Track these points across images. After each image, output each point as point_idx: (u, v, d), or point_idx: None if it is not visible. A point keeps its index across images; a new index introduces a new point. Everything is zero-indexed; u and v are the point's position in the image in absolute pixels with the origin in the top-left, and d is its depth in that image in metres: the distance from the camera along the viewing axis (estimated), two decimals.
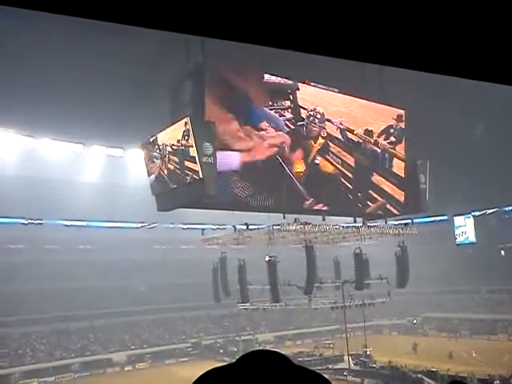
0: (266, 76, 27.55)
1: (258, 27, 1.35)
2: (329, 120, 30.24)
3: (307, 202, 29.70)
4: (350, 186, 31.68)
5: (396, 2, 1.41)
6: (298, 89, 28.85)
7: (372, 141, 32.35)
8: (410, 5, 1.43)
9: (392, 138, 33.26)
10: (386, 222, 36.61)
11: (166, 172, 26.25)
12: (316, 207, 30.34)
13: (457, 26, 1.54)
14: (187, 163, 24.71)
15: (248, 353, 1.11)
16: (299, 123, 29.01)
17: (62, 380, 43.40)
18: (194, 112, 24.78)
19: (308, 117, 29.30)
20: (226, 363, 1.19)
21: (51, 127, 43.40)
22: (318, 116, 29.67)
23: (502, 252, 59.89)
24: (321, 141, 30.10)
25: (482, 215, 58.81)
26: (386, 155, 33.21)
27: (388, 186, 33.28)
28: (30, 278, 47.48)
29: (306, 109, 29.21)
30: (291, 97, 28.65)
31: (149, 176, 27.80)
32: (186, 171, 24.86)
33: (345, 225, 35.86)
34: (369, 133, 32.19)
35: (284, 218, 30.74)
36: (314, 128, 29.68)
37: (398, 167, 33.69)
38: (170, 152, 25.72)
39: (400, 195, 33.92)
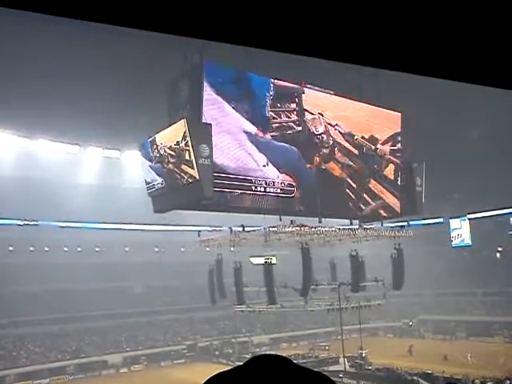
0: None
1: (256, 30, 1.35)
2: (331, 124, 30.49)
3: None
4: (349, 192, 31.89)
5: (393, 5, 1.41)
6: (304, 92, 29.08)
7: (373, 147, 32.55)
8: (408, 7, 1.43)
9: (393, 145, 33.62)
10: (382, 225, 36.68)
11: (162, 173, 26.22)
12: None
13: (454, 29, 1.54)
14: (184, 165, 24.70)
15: (254, 357, 1.11)
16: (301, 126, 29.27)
17: (57, 382, 43.21)
18: (191, 113, 24.78)
19: (312, 120, 29.58)
20: (225, 366, 1.19)
21: (47, 128, 43.28)
22: (322, 120, 29.98)
23: (498, 254, 60.07)
24: (324, 145, 30.37)
25: (477, 218, 58.97)
26: (383, 161, 33.44)
27: (383, 192, 33.45)
28: (24, 279, 47.22)
29: (311, 113, 29.46)
30: (297, 100, 28.89)
31: (145, 177, 27.75)
32: (183, 173, 24.85)
33: (341, 227, 35.88)
34: (371, 139, 32.39)
35: (280, 219, 30.72)
36: (318, 132, 29.92)
37: (391, 172, 33.93)
38: (166, 154, 25.68)
39: (395, 201, 34.13)
